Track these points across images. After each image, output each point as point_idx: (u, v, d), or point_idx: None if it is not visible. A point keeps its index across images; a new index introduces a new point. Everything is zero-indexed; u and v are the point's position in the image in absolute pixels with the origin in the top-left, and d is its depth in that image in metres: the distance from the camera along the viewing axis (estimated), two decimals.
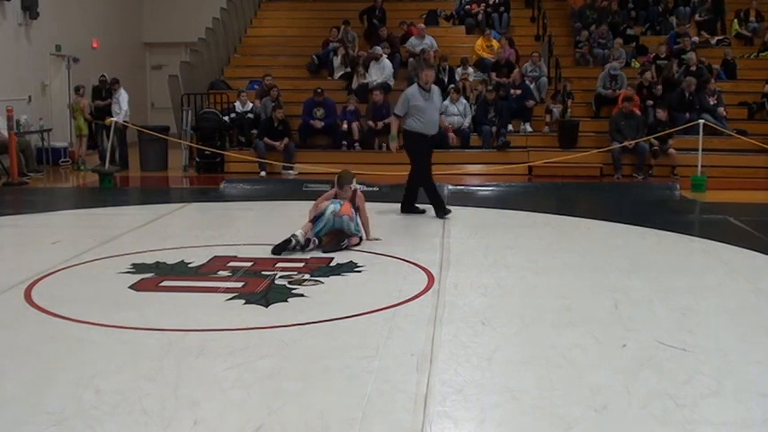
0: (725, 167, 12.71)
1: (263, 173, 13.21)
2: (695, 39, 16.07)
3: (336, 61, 16.00)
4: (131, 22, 19.88)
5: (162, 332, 4.61)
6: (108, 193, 11.58)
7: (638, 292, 5.64)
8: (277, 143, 13.45)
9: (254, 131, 13.87)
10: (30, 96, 14.81)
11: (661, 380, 3.92)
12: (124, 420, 3.43)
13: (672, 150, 12.90)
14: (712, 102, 13.81)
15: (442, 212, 8.60)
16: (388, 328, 4.71)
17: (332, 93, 14.67)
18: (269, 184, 12.20)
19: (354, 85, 15.16)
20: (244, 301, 5.29)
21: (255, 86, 15.31)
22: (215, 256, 6.66)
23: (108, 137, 13.21)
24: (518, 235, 7.85)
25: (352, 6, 17.82)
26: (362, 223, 7.32)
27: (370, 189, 10.53)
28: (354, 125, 13.82)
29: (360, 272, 6.21)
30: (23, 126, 13.70)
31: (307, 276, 5.98)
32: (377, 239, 7.30)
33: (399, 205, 8.99)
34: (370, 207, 7.78)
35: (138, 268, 6.23)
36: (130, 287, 5.69)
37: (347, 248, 6.96)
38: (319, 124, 13.93)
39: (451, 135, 9.29)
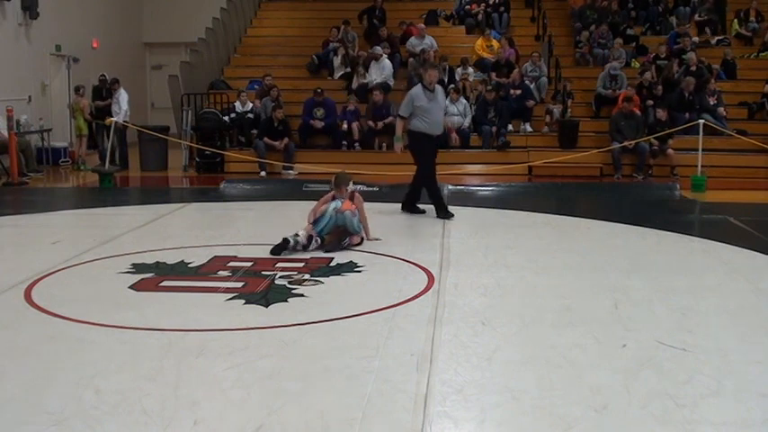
0: (725, 167, 12.71)
1: (263, 173, 13.21)
2: (695, 39, 16.07)
3: (336, 61, 16.00)
4: (131, 22, 19.88)
5: (162, 332, 4.61)
6: (108, 193, 11.58)
7: (638, 292, 5.64)
8: (277, 143, 13.45)
9: (254, 131, 13.87)
10: (30, 96, 14.81)
11: (661, 380, 3.92)
12: (124, 420, 3.43)
13: (670, 151, 12.90)
14: (712, 102, 13.81)
15: (443, 213, 8.60)
16: (388, 328, 4.71)
17: (332, 93, 14.67)
18: (269, 184, 12.20)
19: (354, 85, 15.16)
20: (244, 301, 5.29)
21: (255, 86, 15.31)
22: (215, 256, 6.66)
23: (108, 137, 13.21)
24: (518, 235, 7.85)
25: (352, 6, 17.82)
26: (362, 224, 7.32)
27: (370, 189, 10.54)
28: (354, 125, 13.82)
29: (360, 272, 6.21)
30: (23, 126, 13.70)
31: (307, 276, 5.98)
32: (377, 239, 7.30)
33: (400, 205, 8.98)
34: (370, 207, 7.78)
35: (138, 268, 6.23)
36: (130, 287, 5.69)
37: (348, 247, 6.96)
38: (319, 124, 13.93)
39: (454, 136, 9.28)
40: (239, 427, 3.36)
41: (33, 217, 9.05)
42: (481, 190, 11.52)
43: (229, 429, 3.36)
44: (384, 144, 13.72)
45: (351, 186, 7.33)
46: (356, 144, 13.85)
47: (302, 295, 5.46)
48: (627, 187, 12.19)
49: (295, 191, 10.90)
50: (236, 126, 14.23)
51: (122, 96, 14.10)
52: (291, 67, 16.56)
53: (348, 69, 15.72)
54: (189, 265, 6.38)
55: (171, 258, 6.60)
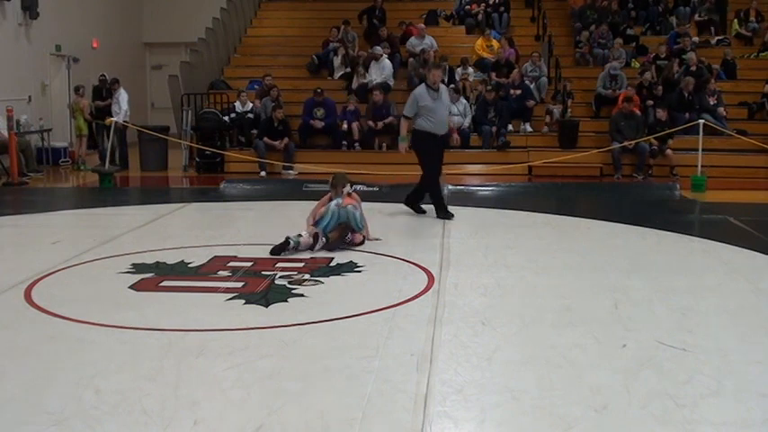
0: (725, 167, 12.71)
1: (263, 173, 13.21)
2: (695, 39, 16.07)
3: (336, 61, 16.00)
4: (131, 22, 19.88)
5: (162, 332, 4.61)
6: (108, 193, 11.58)
7: (638, 292, 5.64)
8: (277, 143, 13.45)
9: (254, 131, 13.87)
10: (30, 96, 14.80)
11: (661, 380, 3.92)
12: (124, 420, 3.43)
13: (669, 151, 12.90)
14: (712, 102, 13.81)
15: (443, 213, 8.60)
16: (388, 328, 4.71)
17: (332, 93, 14.67)
18: (269, 184, 12.20)
19: (354, 85, 15.16)
20: (244, 301, 5.29)
21: (255, 86, 15.31)
22: (215, 256, 6.66)
23: (108, 137, 13.21)
24: (518, 235, 7.85)
25: (352, 6, 17.82)
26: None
27: (370, 189, 10.54)
28: (354, 125, 13.82)
29: (360, 272, 6.21)
30: (23, 126, 13.70)
31: (307, 276, 5.98)
32: (377, 239, 7.30)
33: (400, 205, 8.98)
34: (371, 207, 7.79)
35: (138, 268, 6.23)
36: (130, 287, 5.69)
37: (350, 244, 6.97)
38: (319, 124, 13.93)
39: (455, 136, 9.27)
40: (239, 427, 3.36)
41: (33, 217, 9.05)
42: (481, 190, 11.52)
43: (229, 429, 3.36)
44: (384, 144, 13.72)
45: (347, 188, 7.31)
46: (356, 144, 13.84)
47: (302, 295, 5.46)
48: (627, 187, 12.19)
49: (295, 191, 10.90)
50: (236, 126, 14.22)
51: (122, 96, 14.10)
52: (291, 67, 16.56)
53: (348, 69, 15.72)
54: (189, 265, 6.38)
55: (171, 258, 6.60)
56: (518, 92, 14.37)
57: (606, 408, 3.59)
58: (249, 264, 6.37)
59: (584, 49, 16.15)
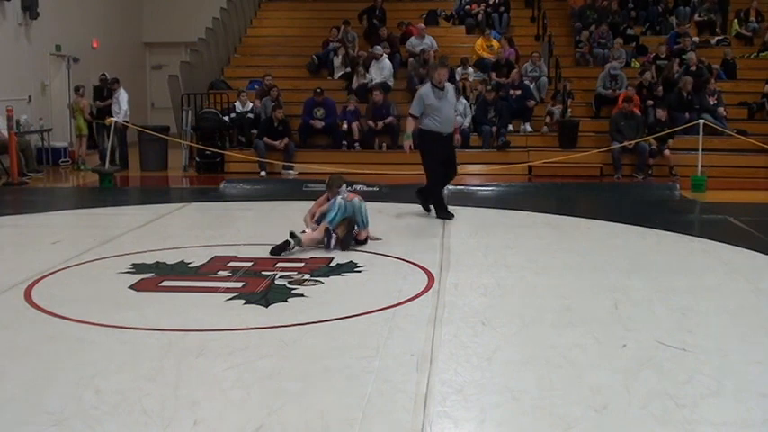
0: (725, 167, 12.71)
1: (263, 173, 13.21)
2: (695, 39, 16.07)
3: (336, 61, 16.00)
4: (131, 22, 19.88)
5: (162, 332, 4.61)
6: (108, 193, 11.58)
7: (638, 292, 5.64)
8: (277, 143, 13.45)
9: (254, 131, 13.87)
10: (30, 96, 14.80)
11: (661, 380, 3.92)
12: (124, 420, 3.43)
13: (667, 152, 12.90)
14: (712, 102, 13.81)
15: (443, 213, 8.60)
16: (388, 328, 4.71)
17: (332, 93, 14.67)
18: (269, 184, 12.20)
19: (354, 85, 15.16)
20: (244, 301, 5.29)
21: (255, 86, 15.31)
22: (215, 256, 6.66)
23: (108, 137, 13.21)
24: (518, 235, 7.85)
25: (352, 6, 17.82)
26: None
27: (371, 189, 10.54)
28: (354, 125, 13.82)
29: (360, 272, 6.21)
30: (23, 126, 13.70)
31: (307, 276, 5.98)
32: (378, 239, 7.30)
33: (400, 205, 9.00)
34: (371, 207, 7.76)
35: (138, 268, 6.23)
36: (130, 287, 5.69)
37: (356, 239, 6.98)
38: (319, 124, 13.93)
39: (456, 136, 9.27)
40: (239, 427, 3.36)
41: (33, 217, 9.05)
42: (481, 190, 11.52)
43: (229, 429, 3.36)
44: (384, 144, 13.73)
45: (343, 189, 7.30)
46: (356, 144, 13.84)
47: (302, 295, 5.46)
48: (627, 187, 12.19)
49: (295, 191, 10.90)
50: (236, 126, 14.22)
51: (122, 96, 14.10)
52: (291, 67, 16.56)
53: (348, 69, 15.72)
54: (189, 265, 6.38)
55: (171, 258, 6.60)
56: (518, 92, 14.36)
57: (606, 408, 3.59)
58: (249, 264, 6.37)
59: (584, 49, 16.15)
